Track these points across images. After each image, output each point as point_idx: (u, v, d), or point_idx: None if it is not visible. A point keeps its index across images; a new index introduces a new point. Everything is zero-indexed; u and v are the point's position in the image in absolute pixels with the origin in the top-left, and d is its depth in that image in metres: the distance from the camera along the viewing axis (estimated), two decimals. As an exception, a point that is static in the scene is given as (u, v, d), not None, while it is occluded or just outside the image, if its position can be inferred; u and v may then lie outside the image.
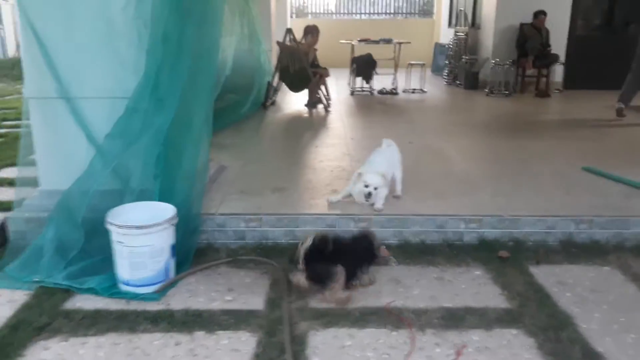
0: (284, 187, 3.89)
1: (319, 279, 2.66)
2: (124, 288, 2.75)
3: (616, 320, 2.53)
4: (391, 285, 2.86)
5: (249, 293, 2.77)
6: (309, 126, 6.66)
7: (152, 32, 3.05)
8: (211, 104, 3.39)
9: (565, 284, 2.87)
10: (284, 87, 7.87)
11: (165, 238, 2.77)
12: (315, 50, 8.00)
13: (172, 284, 2.83)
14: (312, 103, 7.73)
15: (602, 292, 2.79)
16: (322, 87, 7.85)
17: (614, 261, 3.13)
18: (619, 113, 6.52)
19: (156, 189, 3.06)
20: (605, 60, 9.01)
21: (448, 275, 2.97)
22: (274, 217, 3.34)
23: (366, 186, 3.40)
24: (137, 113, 3.07)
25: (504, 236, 3.31)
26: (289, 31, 7.37)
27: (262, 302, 2.68)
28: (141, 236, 2.68)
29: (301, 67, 7.30)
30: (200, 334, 2.41)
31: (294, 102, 8.12)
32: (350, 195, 3.55)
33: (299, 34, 7.71)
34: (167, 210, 2.86)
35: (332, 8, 19.51)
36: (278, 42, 7.58)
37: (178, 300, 2.70)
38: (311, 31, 7.71)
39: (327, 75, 7.90)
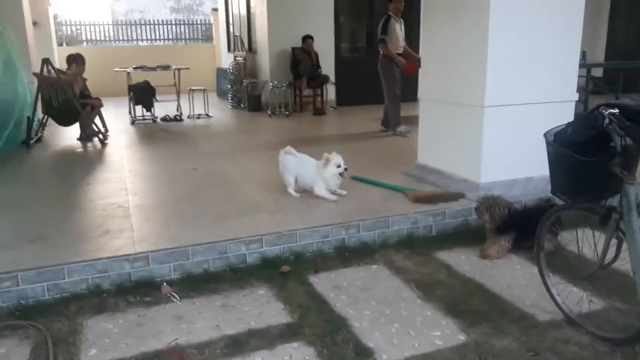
0: (46, 235, 3.46)
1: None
2: None
3: (383, 313, 2.77)
4: (173, 323, 2.72)
5: (1, 366, 2.37)
6: (82, 162, 6.10)
7: None
8: None
9: (341, 288, 3.06)
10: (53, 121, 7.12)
11: None
12: (85, 79, 7.42)
13: None
14: (87, 136, 7.13)
15: (371, 289, 3.05)
16: (97, 119, 7.31)
17: (380, 259, 3.46)
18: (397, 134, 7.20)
19: None
20: (368, 78, 10.05)
21: (232, 301, 2.93)
22: (33, 271, 2.93)
23: (338, 166, 4.03)
24: None
25: (284, 251, 3.41)
26: (46, 61, 6.66)
27: (19, 373, 2.31)
28: None
29: (66, 99, 6.68)
30: None
31: (66, 137, 7.39)
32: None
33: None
34: None
35: (110, 35, 18.49)
36: (35, 74, 6.83)
37: None
38: (75, 60, 7.12)
39: (100, 105, 7.38)
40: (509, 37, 3.88)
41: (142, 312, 2.85)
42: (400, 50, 7.08)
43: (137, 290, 3.04)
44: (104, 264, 3.07)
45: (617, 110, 2.04)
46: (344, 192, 4.20)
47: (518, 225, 3.41)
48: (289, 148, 4.31)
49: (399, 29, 6.98)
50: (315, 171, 4.16)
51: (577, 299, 2.76)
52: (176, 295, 2.99)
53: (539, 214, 3.34)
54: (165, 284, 3.10)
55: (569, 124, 2.41)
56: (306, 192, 4.26)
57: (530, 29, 3.94)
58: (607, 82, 10.29)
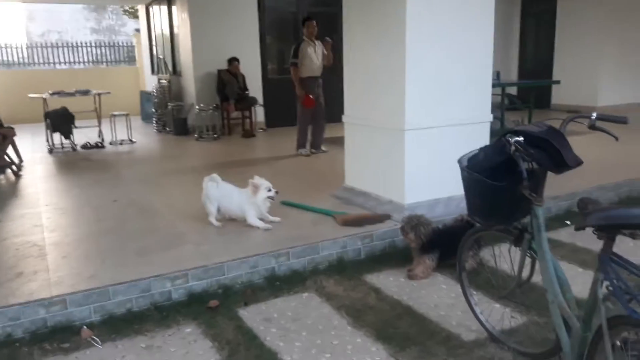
0: (-53, 283, 3.19)
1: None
2: None
3: (314, 343, 2.75)
4: (93, 371, 2.57)
5: None
6: (-7, 197, 5.71)
7: None
8: None
9: (271, 320, 3.02)
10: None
11: None
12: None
13: None
14: (-2, 168, 6.68)
15: (301, 319, 3.02)
16: (10, 148, 6.87)
17: (311, 286, 3.45)
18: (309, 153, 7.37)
19: None
20: (295, 99, 10.15)
21: (157, 341, 2.82)
22: None
23: (269, 190, 4.03)
24: None
25: (212, 285, 3.33)
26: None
27: None
28: None
29: (-26, 129, 6.25)
30: None
31: (-26, 170, 6.89)
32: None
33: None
34: None
35: (24, 57, 17.55)
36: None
37: None
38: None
39: (13, 134, 6.95)
40: (425, 61, 4.03)
41: (60, 360, 2.67)
42: (318, 73, 7.20)
43: (54, 337, 2.86)
44: (16, 311, 2.86)
45: (522, 138, 2.15)
46: (277, 219, 4.17)
47: (442, 243, 3.52)
48: (214, 175, 4.24)
49: (312, 52, 7.11)
50: (243, 200, 4.09)
51: (499, 315, 2.87)
52: (97, 339, 2.84)
53: (460, 231, 3.51)
54: (84, 327, 2.93)
55: (481, 149, 2.52)
56: (229, 221, 4.18)
57: (445, 55, 4.12)
58: (521, 99, 10.94)
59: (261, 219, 4.09)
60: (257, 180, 4.07)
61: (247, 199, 4.07)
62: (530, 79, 11.36)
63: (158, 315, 3.07)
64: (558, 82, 8.92)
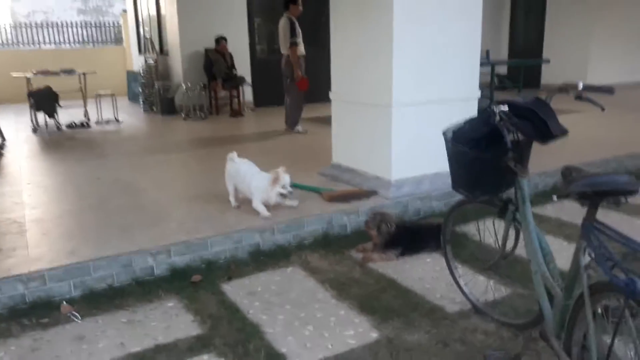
0: None
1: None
2: None
3: (297, 316, 2.73)
4: (73, 345, 2.53)
5: None
6: (-25, 176, 5.61)
7: None
8: None
9: (255, 294, 2.99)
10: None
11: None
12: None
13: None
14: (-20, 148, 6.57)
15: (285, 292, 3.00)
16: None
17: (295, 261, 3.42)
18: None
19: None
20: (283, 79, 10.05)
21: (139, 316, 2.78)
22: None
23: (284, 187, 3.72)
24: None
25: (195, 260, 3.28)
26: None
27: None
28: None
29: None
30: None
31: (-44, 149, 6.77)
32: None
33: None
34: None
35: (9, 37, 17.21)
36: None
37: None
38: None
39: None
40: (412, 38, 3.97)
41: (39, 335, 2.63)
42: (304, 53, 7.16)
43: (33, 312, 2.82)
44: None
45: (507, 108, 2.11)
46: (294, 203, 3.93)
47: (404, 241, 3.46)
48: (231, 154, 4.09)
49: (300, 31, 7.06)
50: (257, 183, 3.83)
51: (483, 288, 2.86)
52: (77, 314, 2.80)
53: (425, 230, 3.55)
54: (64, 303, 2.89)
55: (466, 121, 2.48)
56: (227, 200, 4.10)
57: (433, 30, 4.06)
58: (510, 78, 10.91)
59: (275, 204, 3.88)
60: (282, 173, 3.77)
61: (261, 185, 3.82)
62: (520, 58, 11.31)
63: (140, 290, 3.03)
64: (548, 60, 8.89)
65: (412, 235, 3.52)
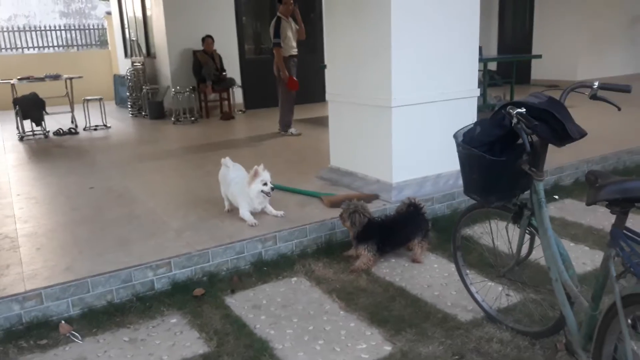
0: None
1: None
2: None
3: (306, 330, 2.64)
4: (73, 368, 2.42)
5: None
6: (-38, 188, 5.44)
7: None
8: None
9: (260, 307, 2.90)
10: None
11: None
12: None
13: None
14: (-34, 158, 6.38)
15: (291, 305, 2.90)
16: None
17: (299, 270, 3.33)
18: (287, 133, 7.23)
19: None
20: (274, 80, 9.93)
21: (141, 334, 2.67)
22: None
23: (265, 184, 3.59)
24: None
25: (196, 273, 3.18)
26: None
27: None
28: None
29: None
30: None
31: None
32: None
33: None
34: None
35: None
36: None
37: None
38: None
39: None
40: (411, 37, 3.89)
41: (38, 358, 2.52)
42: (295, 52, 7.06)
43: (31, 334, 2.70)
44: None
45: (524, 110, 2.04)
46: (280, 213, 3.79)
47: (379, 233, 3.35)
48: (224, 159, 3.98)
49: (289, 31, 6.93)
50: (238, 189, 3.75)
51: (495, 294, 2.79)
52: (77, 334, 2.68)
53: (402, 220, 3.44)
54: (63, 322, 2.77)
55: (476, 123, 2.40)
56: (220, 207, 4.01)
57: (431, 28, 3.98)
58: (500, 74, 10.90)
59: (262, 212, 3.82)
60: (261, 169, 3.66)
61: (242, 189, 3.72)
62: (510, 54, 11.30)
63: (141, 306, 2.92)
64: (539, 56, 8.86)
65: (388, 228, 3.39)
